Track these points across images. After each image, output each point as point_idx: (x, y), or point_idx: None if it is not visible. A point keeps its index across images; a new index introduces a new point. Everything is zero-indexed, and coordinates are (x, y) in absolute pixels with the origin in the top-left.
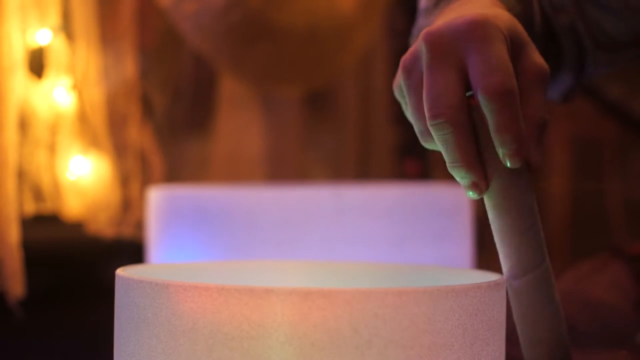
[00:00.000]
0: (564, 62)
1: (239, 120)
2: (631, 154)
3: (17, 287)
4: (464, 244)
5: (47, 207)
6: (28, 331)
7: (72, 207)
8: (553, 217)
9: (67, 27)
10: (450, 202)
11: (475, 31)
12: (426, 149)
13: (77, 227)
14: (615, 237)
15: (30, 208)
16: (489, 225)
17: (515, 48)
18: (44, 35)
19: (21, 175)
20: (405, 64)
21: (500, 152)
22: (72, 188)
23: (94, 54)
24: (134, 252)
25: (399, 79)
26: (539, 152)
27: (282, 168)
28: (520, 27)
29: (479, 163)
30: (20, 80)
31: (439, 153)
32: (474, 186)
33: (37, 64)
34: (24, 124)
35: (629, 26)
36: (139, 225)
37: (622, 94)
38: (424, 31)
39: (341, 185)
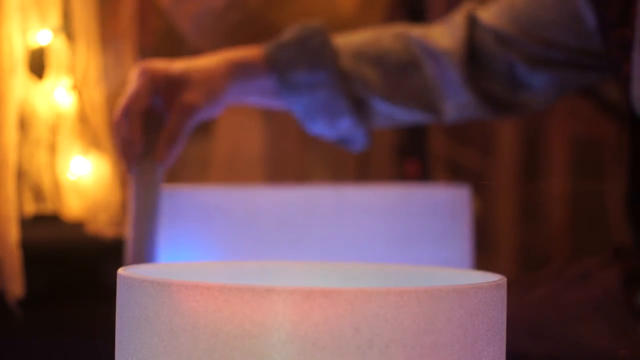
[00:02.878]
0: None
1: (238, 120)
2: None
3: (17, 287)
4: (464, 245)
5: (48, 207)
6: (28, 331)
7: (73, 207)
8: (552, 217)
9: (67, 28)
10: (450, 202)
11: (136, 72)
12: (426, 150)
13: (77, 227)
14: (614, 237)
15: (30, 208)
16: (488, 225)
17: (174, 86)
18: (44, 35)
19: (21, 175)
20: None
21: None
22: (73, 188)
23: (94, 54)
24: None
25: None
26: (165, 152)
27: (282, 168)
28: (190, 75)
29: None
30: (20, 81)
31: (440, 155)
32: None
33: (37, 64)
34: (24, 124)
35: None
36: None
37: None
38: None
39: (341, 186)
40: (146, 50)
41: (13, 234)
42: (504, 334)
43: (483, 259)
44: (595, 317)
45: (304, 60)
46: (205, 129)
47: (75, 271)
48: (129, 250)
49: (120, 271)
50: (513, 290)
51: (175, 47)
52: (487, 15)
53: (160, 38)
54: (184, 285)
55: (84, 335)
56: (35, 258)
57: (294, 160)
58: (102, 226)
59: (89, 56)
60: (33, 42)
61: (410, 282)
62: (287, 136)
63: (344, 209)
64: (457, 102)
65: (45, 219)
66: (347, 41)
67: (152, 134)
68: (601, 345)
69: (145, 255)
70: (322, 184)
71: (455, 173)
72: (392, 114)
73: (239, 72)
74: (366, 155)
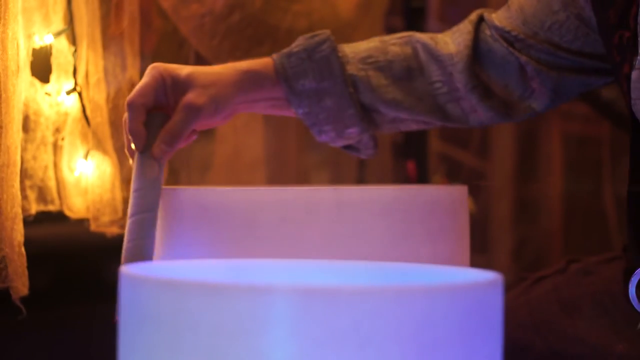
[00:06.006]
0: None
1: (239, 122)
2: (625, 154)
3: (22, 285)
4: (461, 243)
5: (51, 206)
6: (32, 328)
7: (76, 206)
8: (548, 216)
9: (71, 29)
10: (447, 201)
11: (147, 70)
12: (425, 152)
13: (80, 225)
14: (610, 236)
15: (34, 207)
16: (485, 225)
17: (180, 86)
18: (48, 37)
19: (26, 175)
20: None
21: None
22: (76, 188)
23: (97, 56)
24: None
25: None
26: (162, 149)
27: (283, 169)
28: (197, 77)
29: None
30: (25, 82)
31: (437, 156)
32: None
33: (41, 66)
34: (28, 126)
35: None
36: None
37: (615, 94)
38: None
39: (340, 186)
40: (148, 52)
41: (18, 232)
42: (500, 331)
43: (479, 259)
44: (596, 312)
45: (312, 69)
46: (207, 130)
47: (79, 269)
48: (126, 244)
49: (123, 269)
50: (518, 286)
51: (177, 48)
52: (498, 18)
53: (162, 40)
54: (185, 284)
55: (87, 333)
56: (40, 256)
57: (294, 161)
58: (105, 225)
59: (92, 58)
60: (37, 45)
61: (407, 280)
62: (287, 137)
63: (342, 209)
64: (462, 106)
65: (49, 217)
66: (354, 49)
67: (157, 130)
68: (601, 341)
69: (142, 251)
70: (322, 185)
71: (453, 174)
72: (399, 120)
73: (247, 80)
74: None
